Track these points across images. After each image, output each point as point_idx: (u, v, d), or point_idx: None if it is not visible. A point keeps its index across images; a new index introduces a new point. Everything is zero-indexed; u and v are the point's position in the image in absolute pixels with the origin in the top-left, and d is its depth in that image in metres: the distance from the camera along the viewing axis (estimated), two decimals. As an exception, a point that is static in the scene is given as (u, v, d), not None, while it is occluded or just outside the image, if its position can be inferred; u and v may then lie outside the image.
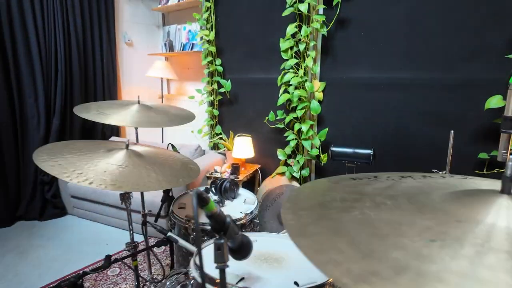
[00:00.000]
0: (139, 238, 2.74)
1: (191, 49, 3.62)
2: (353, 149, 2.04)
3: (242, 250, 0.58)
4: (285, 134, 2.71)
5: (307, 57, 2.44)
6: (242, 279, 0.71)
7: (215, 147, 3.42)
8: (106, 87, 3.60)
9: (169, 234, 1.23)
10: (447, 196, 0.43)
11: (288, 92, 2.56)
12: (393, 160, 2.35)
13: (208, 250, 0.91)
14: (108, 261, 1.28)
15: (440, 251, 0.30)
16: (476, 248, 0.30)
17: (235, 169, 2.78)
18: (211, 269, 0.74)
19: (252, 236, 1.03)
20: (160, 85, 4.04)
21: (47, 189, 3.16)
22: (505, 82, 1.79)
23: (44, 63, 3.04)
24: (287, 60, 2.54)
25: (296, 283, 0.71)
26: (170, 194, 1.77)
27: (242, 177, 2.79)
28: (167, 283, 1.23)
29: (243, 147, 2.88)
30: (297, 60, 2.50)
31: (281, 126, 2.74)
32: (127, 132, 4.09)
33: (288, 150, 2.71)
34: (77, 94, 3.29)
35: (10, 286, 2.18)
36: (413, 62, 2.18)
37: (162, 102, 4.08)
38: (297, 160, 2.65)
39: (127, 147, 1.33)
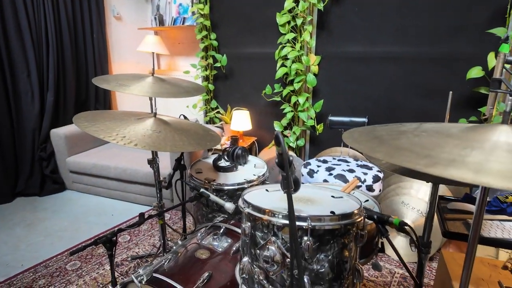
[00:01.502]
0: (140, 209, 2.89)
1: (183, 23, 3.62)
2: (349, 117, 2.23)
3: (296, 184, 0.74)
4: (282, 107, 2.86)
5: (304, 31, 2.57)
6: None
7: (211, 121, 3.53)
8: (97, 62, 3.57)
9: (202, 190, 1.38)
10: (464, 129, 0.61)
11: (286, 66, 2.69)
12: (382, 128, 2.58)
13: (250, 194, 1.06)
14: (142, 217, 1.42)
15: (471, 152, 0.47)
16: (489, 149, 0.47)
17: (234, 141, 2.93)
18: (259, 203, 0.90)
19: (277, 186, 1.21)
20: (149, 60, 4.02)
21: (45, 165, 3.18)
22: (484, 54, 2.01)
23: (34, 38, 2.98)
24: (285, 34, 2.65)
25: (332, 212, 0.89)
26: (182, 162, 1.91)
27: (241, 148, 2.95)
28: (198, 235, 1.40)
29: (241, 120, 3.02)
30: (295, 34, 2.62)
31: (278, 99, 2.88)
32: (118, 107, 4.10)
33: (284, 122, 2.88)
34: (69, 69, 3.26)
35: (26, 256, 2.27)
36: (404, 37, 2.36)
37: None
38: (293, 131, 2.83)
39: (155, 115, 1.44)
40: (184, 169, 1.88)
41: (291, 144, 2.86)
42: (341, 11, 2.55)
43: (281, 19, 2.62)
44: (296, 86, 2.66)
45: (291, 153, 2.91)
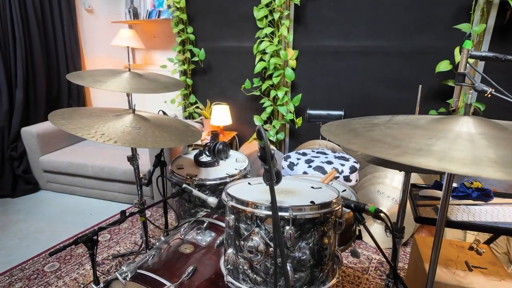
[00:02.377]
0: (120, 207, 2.84)
1: (158, 16, 3.55)
2: (326, 111, 2.29)
3: (278, 176, 0.77)
4: (261, 101, 2.89)
5: (282, 26, 2.59)
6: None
7: (190, 116, 3.51)
8: (69, 57, 3.44)
9: (184, 185, 1.39)
10: (430, 120, 0.66)
11: (264, 60, 2.71)
12: (358, 121, 2.66)
13: (233, 188, 1.09)
14: (124, 215, 1.41)
15: (436, 142, 0.52)
16: (452, 139, 0.52)
17: (215, 136, 2.93)
18: (243, 196, 0.93)
19: (259, 179, 1.24)
20: (124, 54, 3.92)
21: (16, 164, 3.06)
22: (452, 49, 2.12)
23: (0, 32, 2.83)
24: (262, 28, 2.66)
25: (312, 202, 0.93)
26: (162, 159, 1.90)
27: (221, 142, 2.96)
28: (181, 230, 1.41)
29: (220, 115, 3.02)
30: (272, 29, 2.64)
31: (257, 93, 2.91)
32: (93, 103, 3.99)
33: (264, 116, 2.91)
34: (38, 64, 3.13)
35: None
36: (376, 31, 2.44)
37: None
38: (273, 125, 2.87)
39: (133, 111, 1.43)
40: (165, 165, 1.88)
41: (271, 138, 2.89)
42: (317, 6, 2.59)
43: (258, 13, 2.63)
44: (275, 80, 2.69)
45: (272, 147, 2.95)
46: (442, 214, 0.82)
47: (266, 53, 2.70)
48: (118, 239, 2.41)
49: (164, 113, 2.00)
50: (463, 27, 2.01)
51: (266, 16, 2.66)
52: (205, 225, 1.40)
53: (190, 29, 3.17)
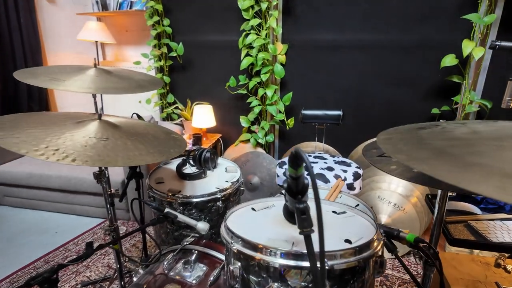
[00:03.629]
0: (91, 222, 2.50)
1: (130, 7, 3.20)
2: (323, 111, 2.07)
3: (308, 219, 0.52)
4: (248, 100, 2.63)
5: (270, 17, 2.34)
6: (292, 244, 0.67)
7: (168, 118, 3.20)
8: (27, 53, 3.03)
9: (167, 210, 1.11)
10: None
11: (251, 56, 2.45)
12: (354, 120, 2.47)
13: (234, 217, 0.84)
14: (91, 249, 1.12)
15: None
16: None
17: (197, 139, 2.64)
18: (251, 234, 0.68)
19: (267, 201, 0.99)
20: (93, 50, 3.53)
21: (-35, 178, 2.64)
22: (458, 41, 1.95)
23: None
24: (248, 20, 2.40)
25: (348, 241, 0.69)
26: (138, 169, 1.61)
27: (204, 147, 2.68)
28: (165, 263, 1.14)
29: (203, 116, 2.74)
30: (259, 20, 2.38)
31: (243, 92, 2.65)
32: (58, 105, 3.58)
33: (251, 116, 2.66)
34: (-10, 61, 2.71)
35: None
36: (373, 23, 2.24)
37: (99, 70, 3.60)
38: (262, 127, 2.62)
39: (100, 117, 1.13)
40: (141, 177, 1.58)
41: (259, 141, 2.64)
42: (308, -5, 2.36)
43: (243, 3, 2.37)
44: (263, 77, 2.44)
45: (260, 150, 2.70)
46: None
47: (252, 47, 2.44)
48: (88, 262, 2.09)
49: (139, 117, 1.71)
50: (472, 17, 1.84)
51: (252, 6, 2.40)
52: (193, 256, 1.13)
53: (166, 21, 2.85)
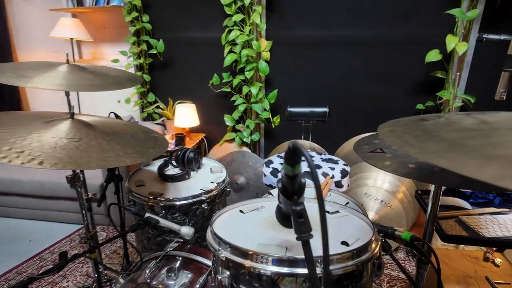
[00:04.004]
0: (68, 229, 2.37)
1: (107, 3, 3.07)
2: (309, 108, 2.03)
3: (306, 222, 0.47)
4: (233, 98, 2.56)
5: (253, 12, 2.28)
6: (286, 249, 0.61)
7: (149, 117, 3.08)
8: (-4, 51, 2.85)
9: (148, 215, 1.03)
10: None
11: (235, 52, 2.39)
12: (340, 117, 2.44)
13: (220, 220, 0.77)
14: (65, 259, 1.03)
15: None
16: None
17: (180, 139, 2.55)
18: (240, 239, 0.62)
19: (256, 203, 0.93)
20: (68, 49, 3.37)
21: None
22: (442, 37, 1.96)
23: None
24: (231, 15, 2.33)
25: (345, 243, 0.65)
26: (117, 172, 1.51)
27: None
28: (147, 272, 1.06)
29: (185, 115, 2.65)
30: (243, 16, 2.32)
31: (227, 89, 2.58)
32: (31, 106, 3.40)
33: (236, 115, 2.59)
34: (-46, 59, 2.53)
35: None
36: (358, 19, 2.22)
37: (75, 69, 3.44)
38: (247, 125, 2.56)
39: (72, 116, 1.04)
40: (120, 180, 1.49)
41: (245, 140, 2.58)
42: (291, -9, 2.32)
43: (225, -2, 2.30)
44: (248, 74, 2.38)
45: (246, 149, 2.65)
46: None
47: (236, 44, 2.38)
48: (65, 271, 1.97)
49: (117, 116, 1.61)
50: (455, 12, 1.84)
51: (234, 2, 2.33)
52: (178, 263, 1.06)
53: (145, 18, 2.75)
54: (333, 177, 1.76)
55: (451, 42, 1.85)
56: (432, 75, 2.10)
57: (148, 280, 1.04)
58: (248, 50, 2.34)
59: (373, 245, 0.65)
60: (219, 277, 0.61)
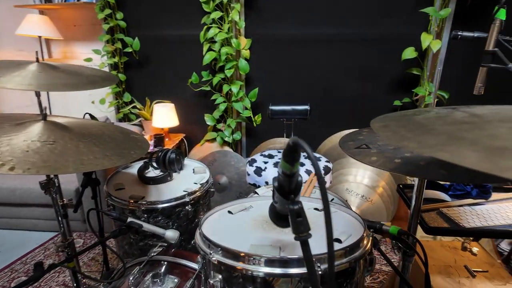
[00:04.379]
0: (42, 237, 2.25)
1: (78, 0, 2.94)
2: (291, 106, 2.03)
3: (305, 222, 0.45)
4: (213, 97, 2.52)
5: (232, 10, 2.25)
6: (279, 249, 0.60)
7: (125, 118, 2.98)
8: (-45, 49, 2.65)
9: (130, 219, 0.99)
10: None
11: (214, 50, 2.35)
12: (320, 114, 2.46)
13: (209, 222, 0.75)
14: (41, 270, 0.97)
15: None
16: None
17: (159, 140, 2.48)
18: (228, 243, 0.60)
19: (243, 203, 0.91)
20: (37, 47, 3.20)
21: None
22: (417, 34, 2.01)
23: None
24: (210, 13, 2.29)
25: (337, 240, 0.64)
26: (94, 176, 1.45)
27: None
28: (130, 278, 1.02)
29: (164, 115, 2.58)
30: (221, 13, 2.28)
31: (207, 88, 2.53)
32: (1, 107, 3.20)
33: (216, 114, 2.56)
34: None
35: None
36: (337, 17, 2.24)
37: (44, 68, 3.27)
38: (228, 124, 2.53)
39: (44, 117, 0.98)
40: (98, 184, 1.43)
41: (226, 139, 2.55)
42: (270, -12, 2.31)
43: (203, -5, 2.25)
44: (228, 73, 2.35)
45: (228, 149, 2.61)
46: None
47: (215, 41, 2.34)
48: (40, 282, 1.87)
49: (92, 117, 1.54)
50: (429, 10, 1.90)
51: (213, -1, 2.29)
52: (163, 268, 1.02)
53: (119, 15, 2.65)
54: (316, 174, 1.77)
55: (426, 39, 1.91)
56: (408, 72, 2.17)
57: (132, 287, 0.99)
58: (228, 48, 2.31)
59: (365, 241, 0.65)
60: (211, 281, 0.59)
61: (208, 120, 2.56)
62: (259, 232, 0.70)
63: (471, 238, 1.47)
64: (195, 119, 2.74)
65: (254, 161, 1.84)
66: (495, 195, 1.26)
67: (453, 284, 1.22)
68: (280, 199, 0.45)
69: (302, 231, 0.41)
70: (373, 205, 2.23)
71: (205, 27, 2.35)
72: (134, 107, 2.83)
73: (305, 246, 0.41)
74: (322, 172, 1.79)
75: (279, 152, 1.99)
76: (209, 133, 2.63)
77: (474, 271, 1.28)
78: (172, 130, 2.77)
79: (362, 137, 1.03)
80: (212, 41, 2.37)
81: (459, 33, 1.25)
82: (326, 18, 2.26)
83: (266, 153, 1.96)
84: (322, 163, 1.86)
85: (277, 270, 0.56)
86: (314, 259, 0.55)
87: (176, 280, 1.00)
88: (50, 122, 0.99)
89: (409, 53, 2.01)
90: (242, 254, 0.58)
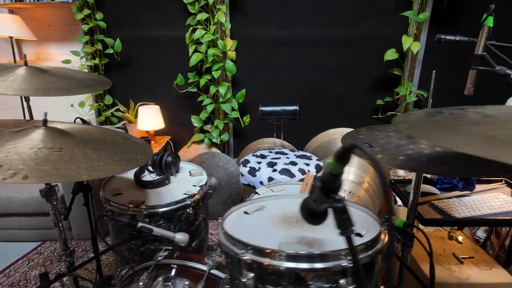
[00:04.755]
0: (23, 248, 2.15)
1: (52, -1, 2.82)
2: (281, 106, 2.07)
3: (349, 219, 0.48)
4: (200, 99, 2.51)
5: (218, 11, 2.26)
6: (308, 245, 0.62)
7: (107, 121, 2.90)
8: None
9: (140, 224, 0.98)
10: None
11: (200, 52, 2.34)
12: (306, 114, 2.52)
13: (233, 220, 0.76)
14: (47, 281, 0.94)
15: None
16: None
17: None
18: (256, 241, 0.62)
19: (257, 203, 0.93)
20: (7, 48, 3.03)
21: None
22: (398, 36, 2.11)
23: None
24: (195, 14, 2.28)
25: (358, 234, 0.68)
26: (85, 182, 1.41)
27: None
28: (140, 284, 1.01)
29: (149, 117, 2.54)
30: (207, 15, 2.28)
31: (193, 90, 2.52)
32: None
33: (204, 115, 2.55)
34: None
35: None
36: (321, 19, 2.31)
37: (16, 71, 3.10)
38: (216, 126, 2.53)
39: (45, 123, 0.95)
40: (89, 190, 1.39)
41: (214, 140, 2.55)
42: (255, -11, 2.33)
43: (189, -4, 2.24)
44: (215, 74, 2.35)
45: (216, 150, 2.61)
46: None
47: (201, 43, 2.34)
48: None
49: (84, 122, 1.50)
50: (409, 14, 2.01)
51: (198, 0, 2.29)
52: (173, 271, 1.02)
53: (99, 15, 2.57)
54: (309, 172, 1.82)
55: (407, 41, 2.02)
56: (389, 72, 2.27)
57: (142, 293, 0.98)
58: (215, 49, 2.31)
59: (383, 235, 0.69)
60: (243, 280, 0.61)
61: (195, 121, 2.55)
62: (280, 231, 0.72)
63: (455, 228, 1.57)
64: (181, 121, 2.72)
65: (247, 161, 1.86)
66: (478, 187, 1.36)
67: (445, 271, 1.31)
68: (321, 197, 0.48)
69: (347, 227, 0.44)
70: (360, 200, 2.31)
71: (191, 28, 2.34)
72: (118, 109, 2.76)
73: (349, 240, 0.44)
74: (315, 170, 1.84)
75: (270, 152, 2.03)
76: (196, 134, 2.62)
77: (462, 258, 1.37)
78: (158, 133, 2.72)
79: (362, 136, 1.08)
80: (197, 42, 2.36)
81: (442, 36, 1.34)
82: (311, 20, 2.32)
83: (258, 153, 1.99)
84: (314, 162, 1.91)
85: (314, 265, 0.58)
86: (341, 253, 0.58)
87: (187, 282, 1.01)
88: (51, 128, 0.96)
89: (391, 54, 2.11)
90: (271, 252, 0.60)
